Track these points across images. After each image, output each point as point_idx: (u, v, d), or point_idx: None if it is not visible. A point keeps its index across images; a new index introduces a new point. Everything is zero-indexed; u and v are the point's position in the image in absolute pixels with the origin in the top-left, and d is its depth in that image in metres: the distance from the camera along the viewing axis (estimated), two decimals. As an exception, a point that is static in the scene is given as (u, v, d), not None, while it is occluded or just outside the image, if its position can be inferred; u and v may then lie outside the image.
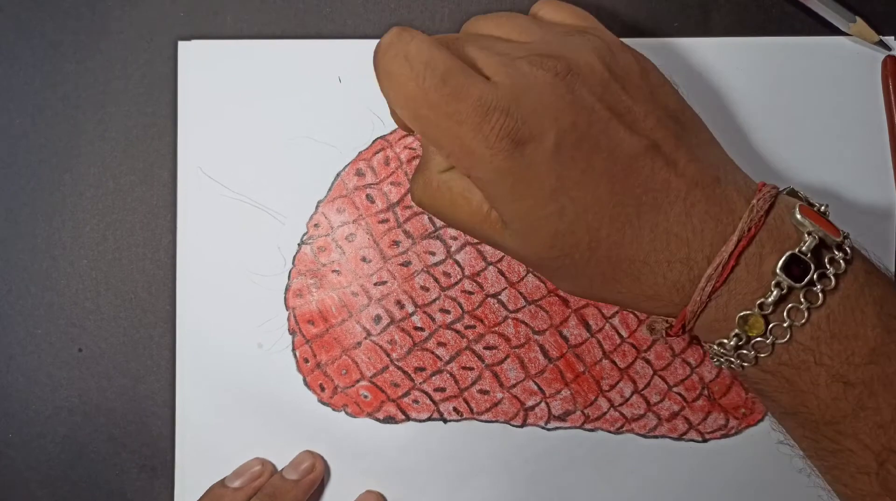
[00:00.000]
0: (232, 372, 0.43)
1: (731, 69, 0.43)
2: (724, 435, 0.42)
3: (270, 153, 0.43)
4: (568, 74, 0.33)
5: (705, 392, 0.42)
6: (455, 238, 0.43)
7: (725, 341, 0.32)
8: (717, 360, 0.34)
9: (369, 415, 0.43)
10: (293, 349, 0.43)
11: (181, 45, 0.44)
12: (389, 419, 0.43)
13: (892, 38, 0.43)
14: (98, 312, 0.43)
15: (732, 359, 0.33)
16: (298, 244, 0.43)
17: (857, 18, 0.43)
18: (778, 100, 0.43)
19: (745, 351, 0.32)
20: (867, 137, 0.43)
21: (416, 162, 0.43)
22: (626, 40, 0.43)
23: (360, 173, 0.43)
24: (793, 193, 0.34)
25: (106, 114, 0.44)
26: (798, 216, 0.32)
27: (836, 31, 0.43)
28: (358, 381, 0.43)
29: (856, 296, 0.32)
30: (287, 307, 0.43)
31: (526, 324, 0.43)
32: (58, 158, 0.44)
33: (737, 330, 0.32)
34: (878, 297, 0.32)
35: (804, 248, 0.31)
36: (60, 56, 0.44)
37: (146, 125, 0.44)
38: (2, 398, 0.43)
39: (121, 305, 0.43)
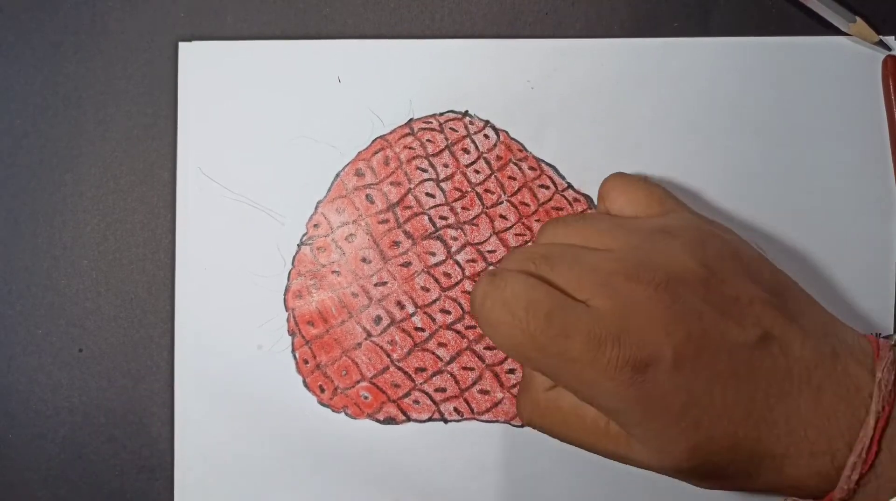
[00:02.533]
0: (231, 373, 0.43)
1: (731, 69, 0.43)
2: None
3: (270, 154, 0.43)
4: (668, 282, 0.32)
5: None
6: (455, 239, 0.43)
7: None
8: None
9: (370, 416, 0.43)
10: (293, 351, 0.43)
11: (182, 46, 0.44)
12: (390, 420, 0.43)
13: (892, 38, 0.43)
14: (98, 312, 0.43)
15: None
16: (298, 245, 0.43)
17: (857, 18, 0.43)
18: (777, 100, 0.43)
19: None
20: (867, 138, 0.43)
21: (416, 162, 0.43)
22: (625, 41, 0.43)
23: (359, 174, 0.43)
24: None
25: (106, 114, 0.44)
26: None
27: (836, 31, 0.43)
28: (358, 382, 0.43)
29: None
30: (287, 308, 0.43)
31: (526, 324, 0.43)
32: (58, 159, 0.44)
33: None
34: None
35: None
36: (61, 56, 0.44)
37: (147, 125, 0.44)
38: (2, 398, 0.43)
39: (121, 305, 0.43)
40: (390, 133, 0.43)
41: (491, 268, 0.34)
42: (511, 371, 0.42)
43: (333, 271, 0.43)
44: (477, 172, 0.43)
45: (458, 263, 0.43)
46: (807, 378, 0.32)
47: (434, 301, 0.43)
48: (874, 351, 0.33)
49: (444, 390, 0.43)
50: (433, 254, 0.43)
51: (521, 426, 0.42)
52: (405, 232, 0.43)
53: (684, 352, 0.31)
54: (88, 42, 0.44)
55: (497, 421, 0.42)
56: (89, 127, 0.44)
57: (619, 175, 0.39)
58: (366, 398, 0.43)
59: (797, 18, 0.44)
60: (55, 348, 0.43)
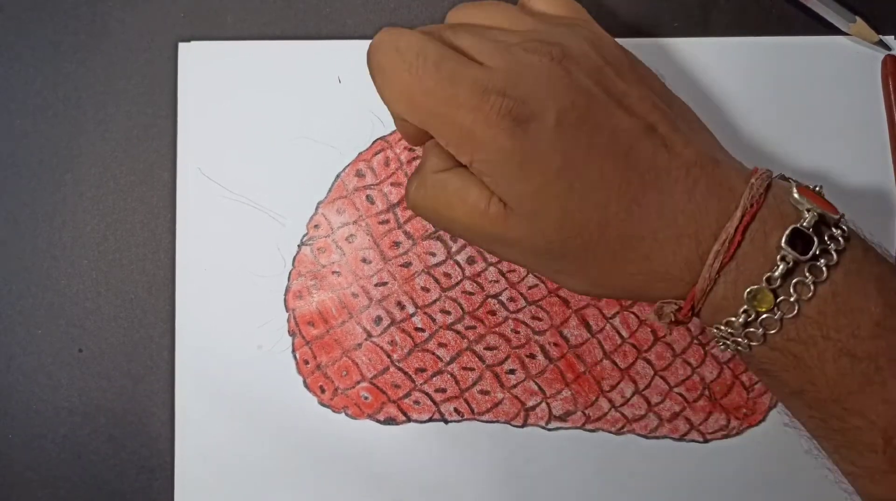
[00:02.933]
0: (232, 374, 0.43)
1: (731, 69, 0.43)
2: (726, 436, 0.42)
3: (270, 154, 0.43)
4: (563, 58, 0.33)
5: (706, 393, 0.42)
6: (455, 239, 0.43)
7: (734, 319, 0.32)
8: (724, 343, 0.34)
9: (370, 417, 0.43)
10: (293, 351, 0.43)
11: (181, 46, 0.44)
12: (390, 421, 0.43)
13: (892, 37, 0.43)
14: (98, 312, 0.43)
15: (740, 339, 0.33)
16: (298, 246, 0.43)
17: (857, 18, 0.43)
18: (778, 100, 0.43)
19: (753, 329, 0.32)
20: (867, 137, 0.43)
21: (416, 163, 0.43)
22: (625, 40, 0.43)
23: (360, 174, 0.43)
24: (784, 178, 0.35)
25: (106, 114, 0.44)
26: (796, 195, 0.33)
27: (836, 31, 0.43)
28: (358, 382, 0.43)
29: (857, 271, 0.32)
30: (287, 309, 0.43)
31: (526, 325, 0.43)
32: (58, 159, 0.44)
33: (745, 306, 0.32)
34: (878, 273, 0.33)
35: (805, 223, 0.32)
36: (61, 56, 0.44)
37: (146, 126, 0.44)
38: (2, 398, 0.43)
39: (121, 305, 0.43)
40: (391, 134, 0.43)
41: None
42: (511, 372, 0.42)
43: (334, 272, 0.43)
44: (477, 172, 0.43)
45: (458, 263, 0.43)
46: (684, 174, 0.33)
47: (434, 302, 0.43)
48: (754, 172, 0.34)
49: (444, 390, 0.43)
50: (433, 254, 0.43)
51: (522, 426, 0.42)
52: (405, 232, 0.43)
53: (566, 118, 0.32)
54: (88, 42, 0.44)
55: (497, 422, 0.42)
56: (89, 127, 0.44)
57: None
58: (366, 398, 0.43)
59: (797, 18, 0.44)
60: (55, 348, 0.43)
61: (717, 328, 0.34)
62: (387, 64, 0.33)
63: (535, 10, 0.38)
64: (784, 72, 0.43)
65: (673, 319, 0.34)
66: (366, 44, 0.43)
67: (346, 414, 0.43)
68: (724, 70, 0.43)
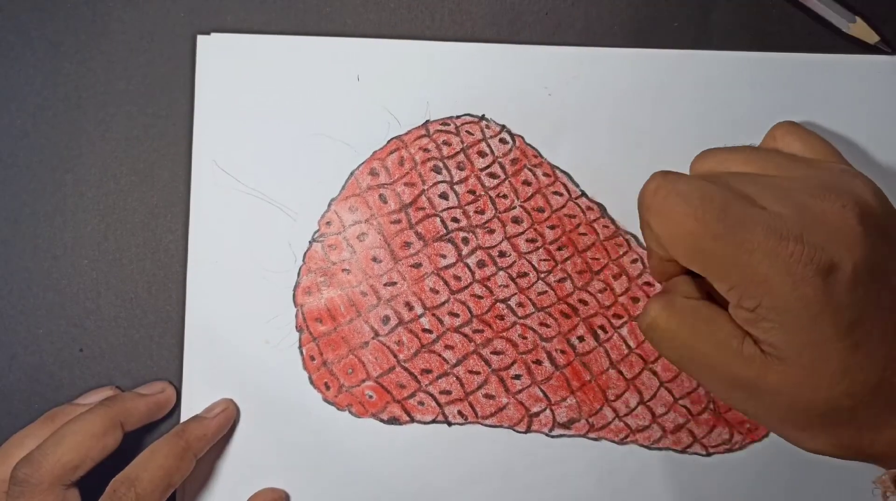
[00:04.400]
0: (238, 367, 0.42)
1: (749, 83, 0.43)
2: (728, 450, 0.42)
3: (285, 149, 0.43)
4: (854, 204, 0.32)
5: (711, 406, 0.42)
6: (467, 242, 0.43)
7: None
8: None
9: (373, 415, 0.43)
10: (300, 347, 0.43)
11: (200, 38, 0.43)
12: (394, 420, 0.43)
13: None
14: (99, 312, 0.43)
15: None
16: (309, 242, 0.43)
17: (857, 18, 0.43)
18: (794, 116, 0.43)
19: None
20: (890, 156, 0.43)
21: (430, 163, 0.43)
22: (645, 51, 0.43)
23: (373, 173, 0.43)
24: None
25: (107, 114, 0.44)
26: None
27: (835, 32, 0.43)
28: (364, 381, 0.43)
29: None
30: (295, 304, 0.43)
31: (534, 331, 0.43)
32: (59, 159, 0.44)
33: None
34: None
35: None
36: (61, 56, 0.44)
37: (147, 126, 0.44)
38: (3, 398, 0.43)
39: (122, 305, 0.43)
40: (406, 134, 0.43)
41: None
42: (517, 377, 0.42)
43: (343, 270, 0.43)
44: (491, 176, 0.43)
45: (468, 266, 0.43)
46: None
47: (443, 303, 0.43)
48: None
49: (449, 392, 0.43)
50: (444, 256, 0.43)
51: (525, 432, 0.42)
52: (417, 233, 0.43)
53: (861, 270, 0.31)
54: (89, 42, 0.44)
55: (501, 427, 0.42)
56: (89, 127, 0.44)
57: (795, 123, 0.38)
58: (370, 397, 0.43)
59: (797, 18, 0.44)
60: (56, 347, 0.43)
61: None
62: (668, 208, 0.32)
63: (786, 151, 0.37)
64: (801, 88, 0.43)
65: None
66: (385, 43, 0.43)
67: (350, 412, 0.43)
68: (742, 83, 0.43)
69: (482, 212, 0.43)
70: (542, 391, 0.42)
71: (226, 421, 0.42)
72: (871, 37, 0.43)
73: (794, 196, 0.32)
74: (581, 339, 0.43)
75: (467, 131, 0.43)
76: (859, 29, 0.43)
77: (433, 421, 0.43)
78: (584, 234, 0.43)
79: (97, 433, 0.38)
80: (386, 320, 0.43)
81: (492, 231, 0.43)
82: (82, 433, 0.38)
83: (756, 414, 0.34)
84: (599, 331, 0.43)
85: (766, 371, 0.32)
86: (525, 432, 0.43)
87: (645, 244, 0.36)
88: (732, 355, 0.33)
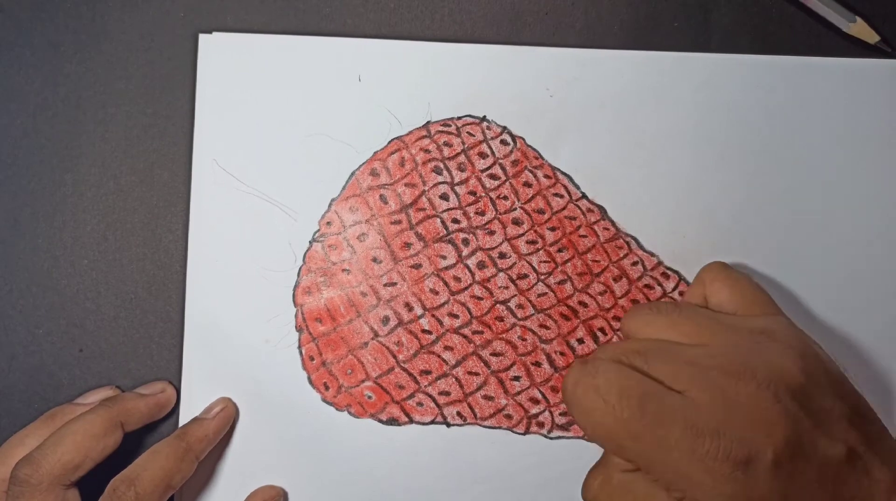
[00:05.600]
0: (238, 367, 0.42)
1: (751, 86, 0.43)
2: (727, 453, 0.42)
3: (286, 149, 0.43)
4: (770, 382, 0.32)
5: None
6: (467, 243, 0.43)
7: None
8: None
9: (372, 416, 0.43)
10: (299, 347, 0.43)
11: (202, 37, 0.43)
12: (392, 421, 0.43)
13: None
14: (99, 312, 0.43)
15: None
16: (310, 242, 0.43)
17: (857, 18, 0.43)
18: (796, 118, 0.43)
19: None
20: (887, 158, 0.43)
21: (431, 164, 0.43)
22: (647, 53, 0.43)
23: (374, 173, 0.43)
24: None
25: (107, 114, 0.43)
26: None
27: (835, 32, 0.43)
28: (363, 381, 0.43)
29: None
30: (295, 304, 0.43)
31: (534, 332, 0.43)
32: (59, 159, 0.43)
33: None
34: None
35: None
36: (61, 56, 0.44)
37: (147, 126, 0.43)
38: (3, 398, 0.43)
39: (121, 305, 0.43)
40: (407, 134, 0.43)
41: (581, 358, 0.34)
42: (516, 378, 0.42)
43: (344, 270, 0.43)
44: (492, 177, 0.43)
45: (468, 267, 0.43)
46: (885, 499, 0.32)
47: (442, 304, 0.43)
48: None
49: (448, 393, 0.43)
50: (444, 257, 0.43)
51: (524, 433, 0.42)
52: (417, 234, 0.43)
53: (782, 455, 0.31)
54: (89, 42, 0.44)
55: (499, 428, 0.43)
56: (89, 127, 0.44)
57: (724, 267, 0.39)
58: (369, 397, 0.43)
59: (797, 18, 0.44)
60: (56, 348, 0.43)
61: None
62: (588, 405, 0.33)
63: (713, 300, 0.37)
64: (801, 90, 0.43)
65: None
66: (387, 44, 0.43)
67: (349, 413, 0.43)
68: (743, 86, 0.43)
69: (483, 213, 0.43)
70: (541, 392, 0.43)
71: (225, 420, 0.42)
72: (872, 37, 0.43)
73: (713, 378, 0.32)
74: (581, 341, 0.43)
75: (468, 132, 0.43)
76: (859, 29, 0.43)
77: (432, 422, 0.43)
78: (585, 236, 0.43)
79: (97, 434, 0.38)
80: (385, 320, 0.43)
81: (492, 232, 0.43)
82: (82, 434, 0.38)
83: None
84: (599, 333, 0.43)
85: None
86: (524, 433, 0.43)
87: None
88: None
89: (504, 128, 0.43)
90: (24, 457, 0.38)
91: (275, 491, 0.42)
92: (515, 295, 0.43)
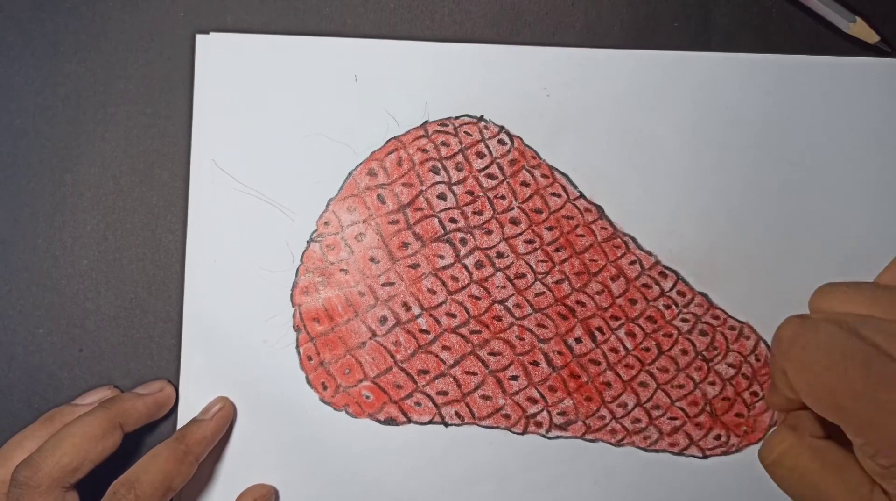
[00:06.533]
0: (236, 367, 0.43)
1: (750, 85, 0.43)
2: (725, 452, 0.42)
3: (283, 149, 0.43)
4: None
5: (708, 408, 0.42)
6: (465, 243, 0.43)
7: None
8: None
9: (370, 416, 0.43)
10: (297, 347, 0.43)
11: (199, 37, 0.43)
12: (390, 421, 0.43)
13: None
14: (98, 312, 0.43)
15: None
16: (307, 242, 0.43)
17: (857, 18, 0.43)
18: (795, 117, 0.43)
19: None
20: (887, 156, 0.43)
21: (429, 164, 0.43)
22: (644, 52, 0.43)
23: (372, 173, 0.43)
24: None
25: (106, 114, 0.44)
26: None
27: (835, 32, 0.43)
28: (361, 381, 0.43)
29: None
30: (293, 304, 0.43)
31: (531, 332, 0.43)
32: (58, 159, 0.44)
33: None
34: None
35: None
36: (61, 56, 0.44)
37: (147, 125, 0.44)
38: (3, 398, 0.43)
39: (121, 305, 0.43)
40: (405, 134, 0.43)
41: (794, 315, 0.33)
42: (514, 378, 0.42)
43: (341, 270, 0.43)
44: (489, 177, 0.43)
45: (465, 267, 0.43)
46: None
47: (440, 304, 0.43)
48: None
49: (445, 393, 0.43)
50: (441, 257, 0.43)
51: (522, 433, 0.42)
52: (415, 234, 0.43)
53: None
54: (88, 42, 0.44)
55: (498, 428, 0.42)
56: (89, 127, 0.44)
57: None
58: (367, 397, 0.43)
59: (797, 18, 0.44)
60: (56, 348, 0.43)
61: None
62: (808, 360, 0.32)
63: None
64: (800, 89, 0.43)
65: None
66: (383, 43, 0.43)
67: (347, 412, 0.43)
68: (742, 85, 0.43)
69: (480, 213, 0.43)
70: (539, 392, 0.42)
71: (224, 420, 0.42)
72: (872, 37, 0.43)
73: None
74: (578, 340, 0.43)
75: (466, 132, 0.43)
76: (859, 29, 0.43)
77: (430, 422, 0.43)
78: (582, 235, 0.43)
79: (96, 435, 0.39)
80: (383, 320, 0.43)
81: (490, 232, 0.43)
82: (81, 435, 0.38)
83: None
84: (597, 333, 0.43)
85: None
86: (522, 433, 0.43)
87: (771, 378, 0.35)
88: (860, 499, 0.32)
89: (501, 127, 0.43)
90: (24, 460, 0.38)
91: (266, 490, 0.42)
92: (513, 295, 0.43)
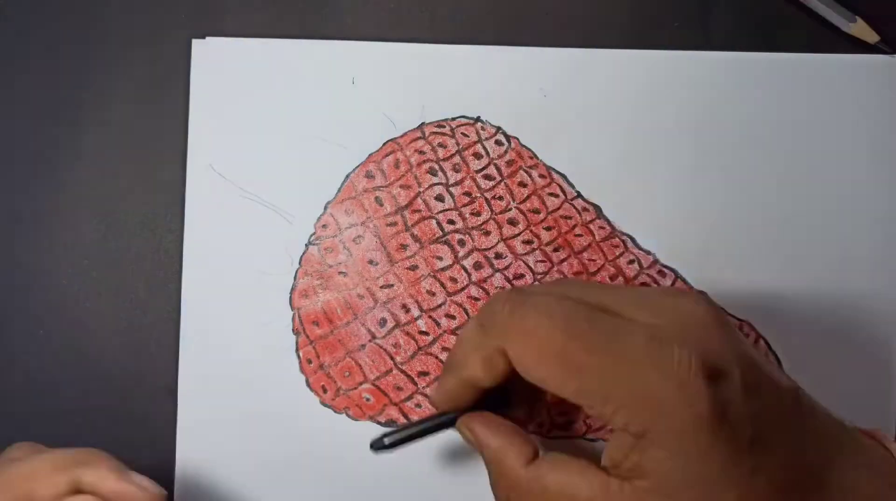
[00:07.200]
0: (235, 371, 0.43)
1: (745, 84, 0.43)
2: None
3: (280, 152, 0.43)
4: (717, 312, 0.29)
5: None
6: (463, 244, 0.43)
7: None
8: None
9: (371, 418, 0.43)
10: (297, 350, 0.43)
11: (195, 42, 0.43)
12: (391, 423, 0.43)
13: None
14: (98, 312, 0.43)
15: None
16: (306, 245, 0.43)
17: (858, 18, 0.43)
18: (790, 115, 0.43)
19: None
20: (883, 154, 0.43)
21: (426, 166, 0.43)
22: (640, 52, 0.43)
23: (369, 175, 0.43)
24: None
25: (104, 117, 0.44)
26: None
27: (835, 31, 0.43)
28: (361, 384, 0.43)
29: None
30: (292, 308, 0.43)
31: (531, 332, 0.43)
32: (58, 159, 0.44)
33: None
34: None
35: None
36: (61, 56, 0.44)
37: (146, 126, 0.44)
38: (3, 399, 0.43)
39: (121, 306, 0.43)
40: (402, 136, 0.43)
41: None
42: (514, 379, 0.42)
43: (340, 272, 0.43)
44: (487, 177, 0.43)
45: (464, 268, 0.43)
46: (838, 445, 0.29)
47: (439, 306, 0.43)
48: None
49: (446, 394, 0.43)
50: (440, 258, 0.43)
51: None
52: (413, 235, 0.43)
53: (749, 378, 0.28)
54: (88, 42, 0.44)
55: (498, 428, 0.42)
56: (89, 127, 0.44)
57: None
58: (368, 399, 0.43)
59: (797, 18, 0.44)
60: (55, 348, 0.43)
61: None
62: (531, 326, 0.29)
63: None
64: (796, 88, 0.43)
65: None
66: (380, 46, 0.43)
67: (348, 415, 0.43)
68: (737, 84, 0.43)
69: (478, 214, 0.43)
70: (539, 392, 0.42)
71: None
72: (872, 37, 0.43)
73: (654, 300, 0.29)
74: (578, 341, 0.43)
75: (462, 133, 0.43)
76: (860, 29, 0.43)
77: (431, 423, 0.43)
78: (581, 235, 0.43)
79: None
80: (383, 322, 0.43)
81: (488, 233, 0.43)
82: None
83: None
84: (596, 333, 0.43)
85: None
86: (522, 434, 0.43)
87: (454, 369, 0.33)
88: (612, 496, 0.29)
89: (498, 128, 0.43)
90: None
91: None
92: (512, 295, 0.43)
